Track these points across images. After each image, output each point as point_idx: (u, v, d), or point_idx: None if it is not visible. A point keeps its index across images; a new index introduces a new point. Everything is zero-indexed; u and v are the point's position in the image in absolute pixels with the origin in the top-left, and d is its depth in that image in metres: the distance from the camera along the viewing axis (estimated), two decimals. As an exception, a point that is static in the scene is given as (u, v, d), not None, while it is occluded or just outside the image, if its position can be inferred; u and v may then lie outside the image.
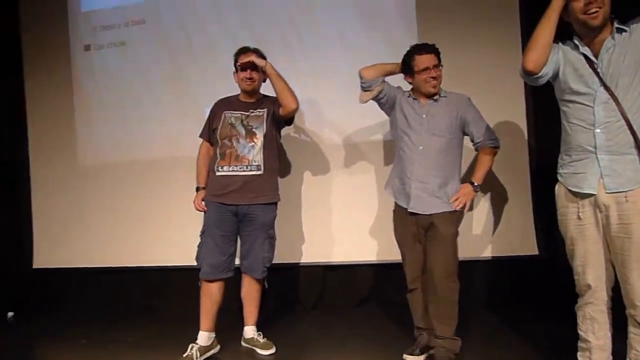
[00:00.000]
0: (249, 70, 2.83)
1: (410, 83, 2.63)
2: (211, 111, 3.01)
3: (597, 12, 1.86)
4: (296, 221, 3.64)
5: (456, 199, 2.51)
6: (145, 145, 3.96)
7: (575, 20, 1.95)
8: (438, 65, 2.53)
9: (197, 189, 2.98)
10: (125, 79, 4.02)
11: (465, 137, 2.64)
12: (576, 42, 1.98)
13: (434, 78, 2.51)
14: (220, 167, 2.85)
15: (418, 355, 2.62)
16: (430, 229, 2.52)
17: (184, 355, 2.72)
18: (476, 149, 2.64)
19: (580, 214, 1.97)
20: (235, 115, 2.90)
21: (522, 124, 3.36)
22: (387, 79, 2.67)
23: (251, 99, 2.93)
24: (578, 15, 1.91)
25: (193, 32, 3.87)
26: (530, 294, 3.29)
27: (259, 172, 2.83)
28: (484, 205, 3.41)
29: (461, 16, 3.41)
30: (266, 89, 2.94)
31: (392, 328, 3.12)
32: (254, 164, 2.83)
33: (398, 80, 2.70)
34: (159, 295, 3.93)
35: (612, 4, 1.89)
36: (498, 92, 3.32)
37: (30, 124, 4.27)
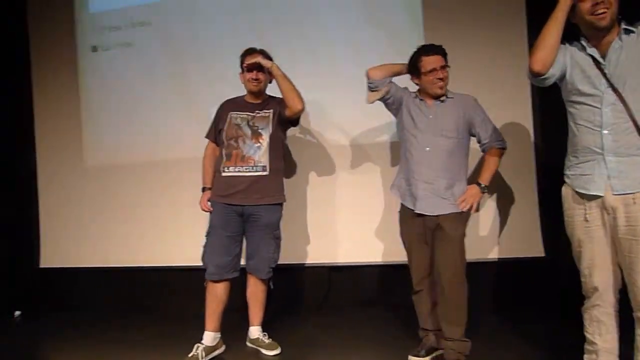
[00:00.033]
0: (255, 71, 2.84)
1: (417, 84, 2.62)
2: (217, 112, 3.01)
3: (604, 12, 1.86)
4: (301, 222, 3.65)
5: (463, 201, 2.51)
6: (151, 146, 3.98)
7: (582, 21, 1.94)
8: (445, 66, 2.52)
9: (203, 190, 2.99)
10: (131, 80, 4.04)
11: (471, 138, 2.63)
12: (583, 43, 1.97)
13: (441, 79, 2.50)
14: (226, 168, 2.85)
15: (423, 356, 2.61)
16: (437, 230, 2.51)
17: (190, 355, 2.73)
18: (483, 150, 2.64)
19: (587, 216, 1.96)
20: (241, 116, 2.90)
21: (529, 125, 3.35)
22: (394, 79, 2.67)
23: (257, 100, 2.94)
24: (585, 16, 1.91)
25: (199, 34, 3.89)
26: (536, 296, 3.28)
27: (264, 173, 2.83)
28: (489, 207, 3.40)
29: (467, 16, 3.41)
30: (272, 90, 2.95)
31: (398, 329, 3.11)
32: (259, 164, 2.83)
33: (405, 81, 2.70)
34: (162, 295, 3.93)
35: (620, 4, 1.88)
36: (504, 92, 3.31)
37: (37, 124, 4.31)
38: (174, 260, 3.84)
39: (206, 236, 2.87)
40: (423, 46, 2.58)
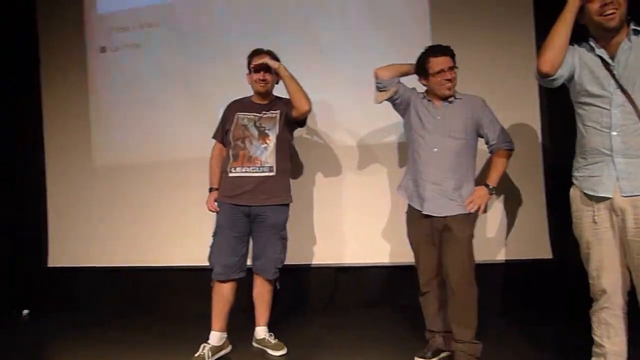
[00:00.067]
0: (262, 72, 2.84)
1: (424, 85, 2.61)
2: (224, 112, 3.02)
3: (613, 13, 1.85)
4: (308, 222, 3.65)
5: (470, 202, 2.49)
6: (159, 147, 4.00)
7: (591, 22, 1.93)
8: (453, 67, 2.51)
9: (210, 190, 3.00)
10: (139, 81, 4.06)
11: (479, 139, 2.62)
12: (592, 44, 1.96)
13: (449, 80, 2.49)
14: (233, 168, 2.86)
15: (430, 358, 2.60)
16: (445, 231, 2.50)
17: (196, 355, 2.74)
18: (491, 152, 2.63)
19: (595, 218, 1.95)
20: (248, 116, 2.91)
21: (536, 126, 3.33)
22: (402, 79, 2.67)
23: (264, 101, 2.94)
24: (594, 17, 1.90)
25: (207, 35, 3.90)
26: (544, 298, 3.26)
27: (271, 174, 2.83)
28: (497, 208, 3.39)
29: (475, 17, 3.40)
30: (279, 90, 2.96)
31: (404, 330, 3.10)
32: (266, 165, 2.84)
33: (413, 82, 2.69)
34: (169, 295, 3.94)
35: (629, 5, 1.87)
36: (512, 93, 3.30)
37: (46, 124, 4.34)
38: (181, 260, 3.85)
39: (213, 236, 2.88)
40: (431, 47, 2.57)
